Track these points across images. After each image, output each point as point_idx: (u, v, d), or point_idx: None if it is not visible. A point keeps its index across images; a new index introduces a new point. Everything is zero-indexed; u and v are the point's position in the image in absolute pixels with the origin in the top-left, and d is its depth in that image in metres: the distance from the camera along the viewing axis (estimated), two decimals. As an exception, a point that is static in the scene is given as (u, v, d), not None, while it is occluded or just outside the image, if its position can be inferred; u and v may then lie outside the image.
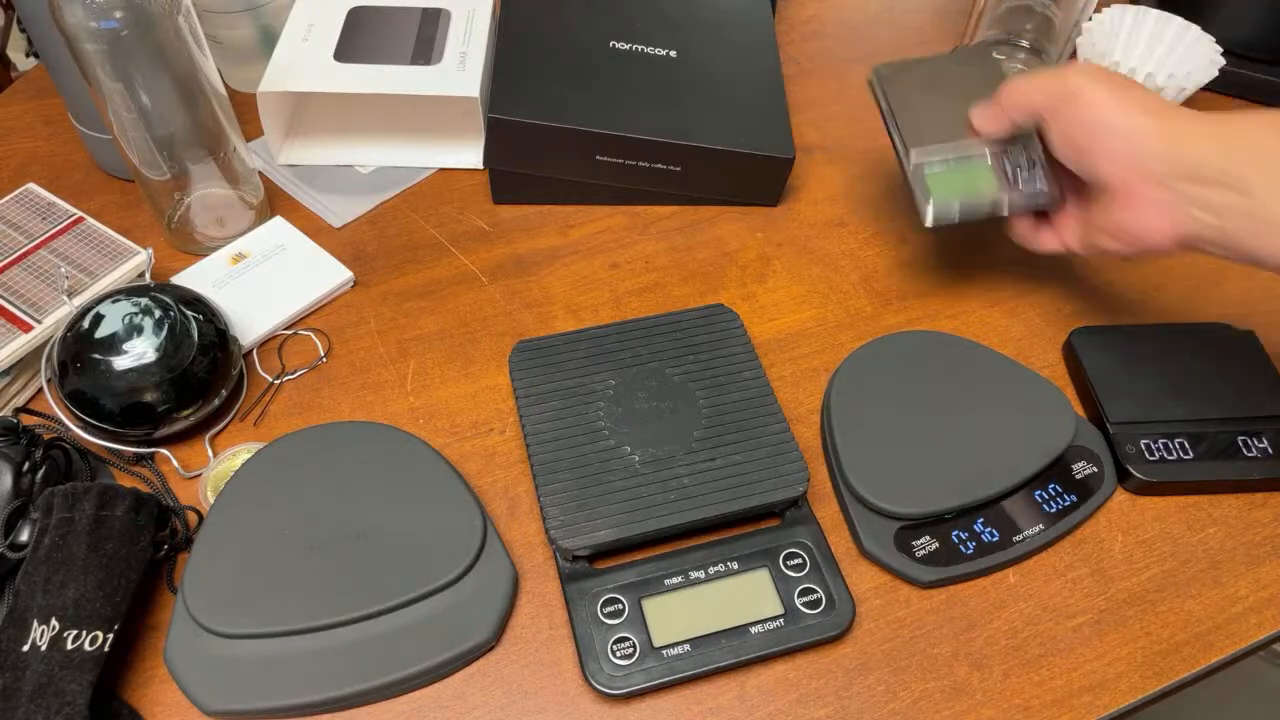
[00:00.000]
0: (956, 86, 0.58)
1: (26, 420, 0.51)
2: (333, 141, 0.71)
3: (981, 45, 0.59)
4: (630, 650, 0.45)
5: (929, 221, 0.55)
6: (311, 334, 0.60)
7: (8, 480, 0.46)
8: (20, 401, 0.55)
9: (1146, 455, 0.52)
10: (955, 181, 0.55)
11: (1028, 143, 0.55)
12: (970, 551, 0.49)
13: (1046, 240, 0.56)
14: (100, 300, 0.51)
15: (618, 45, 0.68)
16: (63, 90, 0.63)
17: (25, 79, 0.77)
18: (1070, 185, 0.54)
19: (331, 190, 0.68)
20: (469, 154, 0.70)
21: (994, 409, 0.53)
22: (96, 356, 0.49)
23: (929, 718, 0.45)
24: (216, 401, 0.53)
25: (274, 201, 0.67)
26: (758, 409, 0.51)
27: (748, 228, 0.67)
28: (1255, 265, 0.45)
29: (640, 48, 0.68)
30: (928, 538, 0.49)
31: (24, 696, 0.40)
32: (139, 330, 0.50)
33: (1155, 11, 0.72)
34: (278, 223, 0.64)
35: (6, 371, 0.53)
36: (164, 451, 0.53)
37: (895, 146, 0.58)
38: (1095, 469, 0.52)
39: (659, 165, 0.65)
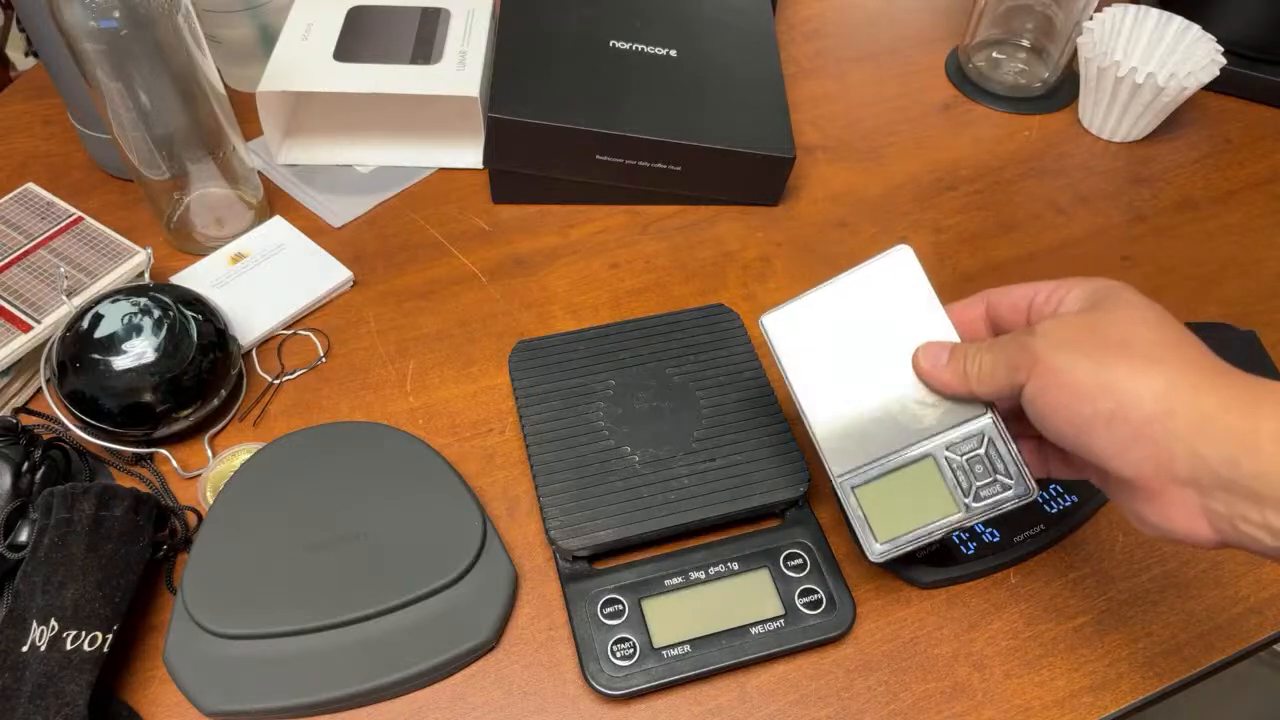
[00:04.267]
0: (876, 343, 0.43)
1: (26, 420, 0.51)
2: (332, 141, 0.70)
3: (890, 260, 0.43)
4: (630, 651, 0.45)
5: (876, 560, 0.44)
6: (311, 334, 0.60)
7: (7, 480, 0.46)
8: (19, 401, 0.55)
9: (1147, 455, 0.52)
10: (898, 501, 0.43)
11: (985, 429, 0.41)
12: (971, 552, 0.49)
13: (1060, 472, 0.43)
14: (99, 300, 0.51)
15: (618, 45, 0.68)
16: (62, 90, 0.63)
17: (25, 79, 0.77)
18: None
19: (331, 190, 0.68)
20: (469, 154, 0.70)
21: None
22: (96, 356, 0.49)
23: (930, 718, 0.45)
24: (216, 401, 0.53)
25: (273, 201, 0.67)
26: (758, 409, 0.51)
27: (748, 228, 0.67)
28: None
29: (640, 47, 0.68)
30: (928, 538, 0.49)
31: (23, 697, 0.40)
32: (138, 330, 0.50)
33: (1156, 11, 0.72)
34: (277, 222, 0.64)
35: (6, 371, 0.53)
36: (163, 452, 0.53)
37: (802, 417, 0.45)
38: (1096, 469, 0.52)
39: (659, 165, 0.65)
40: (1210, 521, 0.34)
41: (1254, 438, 0.32)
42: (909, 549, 0.43)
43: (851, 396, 0.44)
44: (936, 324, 0.42)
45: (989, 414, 0.41)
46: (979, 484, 0.42)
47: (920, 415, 0.42)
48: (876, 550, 0.43)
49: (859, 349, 0.44)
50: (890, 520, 0.43)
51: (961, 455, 0.42)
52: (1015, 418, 0.41)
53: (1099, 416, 0.34)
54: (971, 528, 0.50)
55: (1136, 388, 0.34)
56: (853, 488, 0.44)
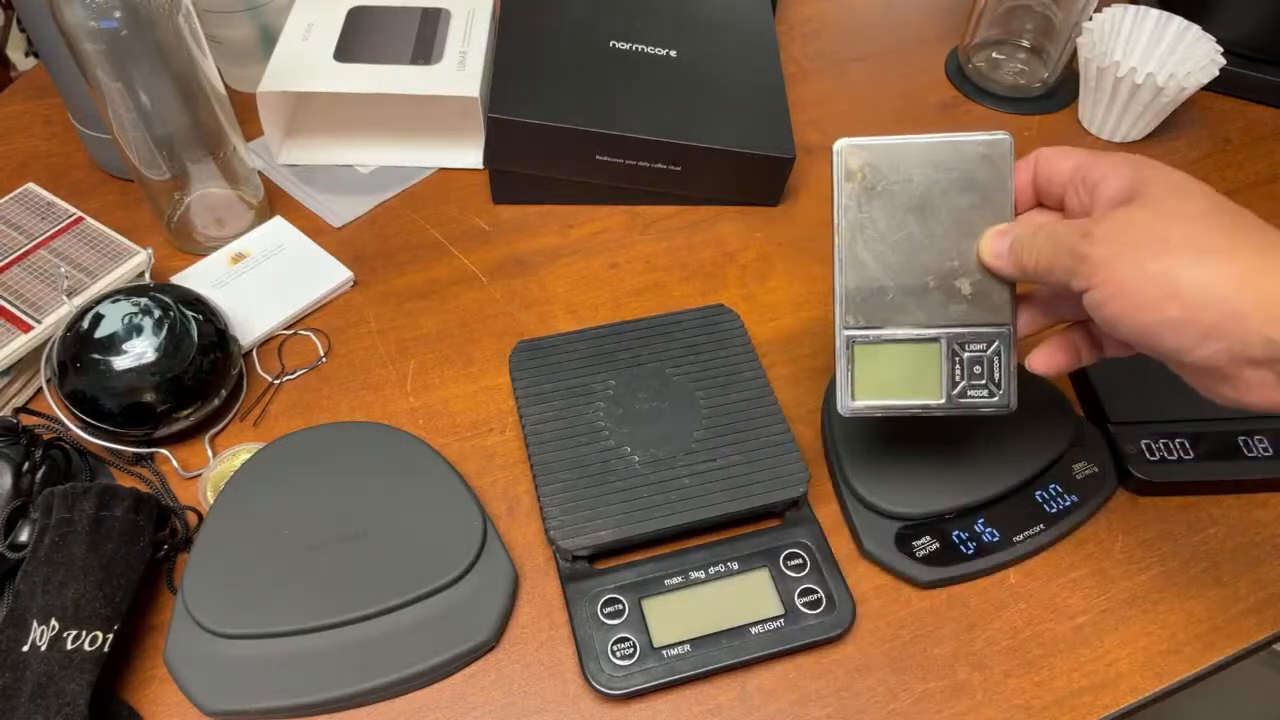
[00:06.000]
0: (940, 209, 0.43)
1: (26, 420, 0.51)
2: (333, 141, 0.70)
3: (987, 141, 0.42)
4: (630, 650, 0.45)
5: (844, 413, 0.45)
6: (311, 334, 0.60)
7: (7, 480, 0.46)
8: (20, 401, 0.55)
9: (1147, 455, 0.52)
10: (888, 370, 0.44)
11: (999, 338, 0.43)
12: (971, 552, 0.49)
13: (1091, 358, 0.44)
14: (100, 300, 0.51)
15: (618, 45, 0.68)
16: (62, 90, 0.63)
17: (25, 79, 0.77)
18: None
19: (331, 190, 0.68)
20: (469, 154, 0.70)
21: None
22: (96, 356, 0.49)
23: (930, 718, 0.45)
24: (216, 401, 0.53)
25: (274, 201, 0.67)
26: (758, 409, 0.51)
27: (748, 228, 0.67)
28: None
29: (640, 47, 0.68)
30: (928, 538, 0.49)
31: (24, 697, 0.40)
32: (138, 330, 0.50)
33: (1155, 11, 0.72)
34: (277, 223, 0.64)
35: (6, 371, 0.53)
36: (164, 451, 0.53)
37: (834, 258, 0.44)
38: (1096, 469, 0.52)
39: (659, 165, 0.65)
40: None
41: None
42: (876, 415, 0.45)
43: (892, 258, 0.44)
44: (1004, 215, 0.43)
45: (1009, 326, 0.43)
46: (968, 383, 0.44)
47: (949, 302, 0.44)
48: (849, 406, 0.45)
49: (918, 215, 0.43)
50: (873, 384, 0.44)
51: (966, 353, 0.43)
52: (1065, 299, 0.43)
53: (1167, 323, 0.35)
54: (972, 527, 0.50)
55: (1204, 290, 0.34)
56: (852, 343, 0.44)
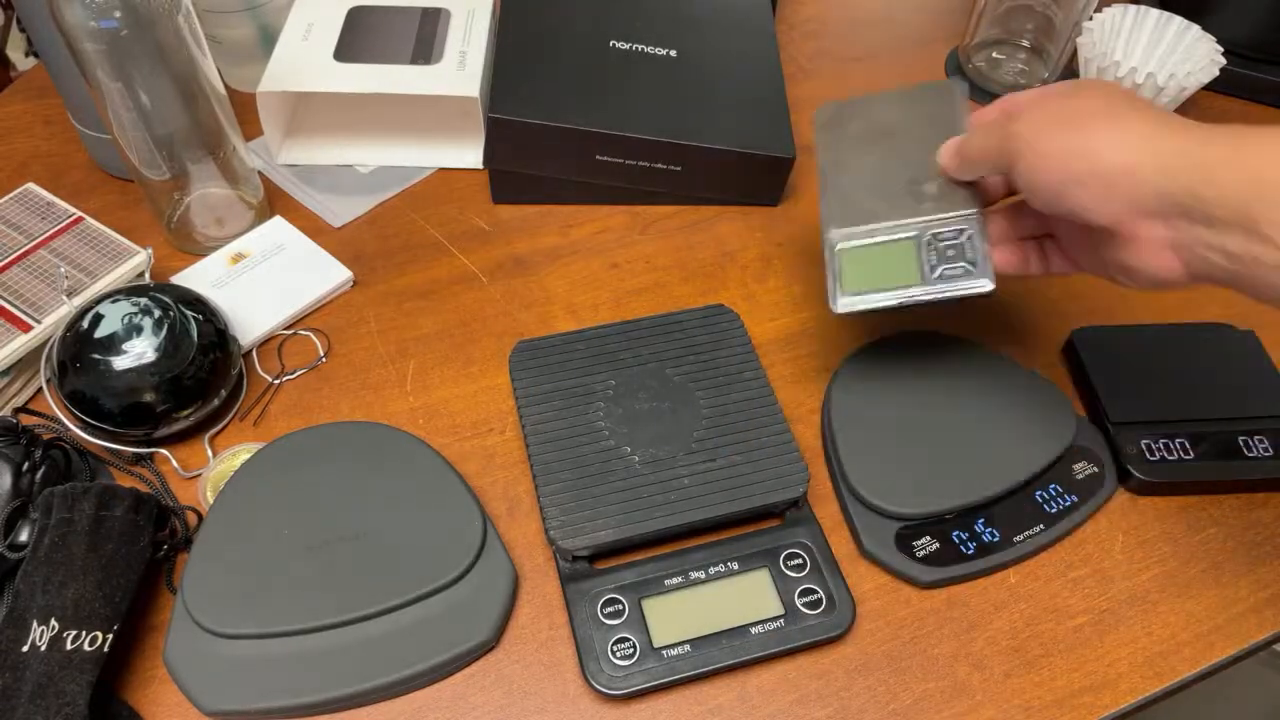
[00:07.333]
0: (904, 136, 0.52)
1: (26, 420, 0.51)
2: (333, 141, 0.70)
3: (941, 84, 0.53)
4: (630, 650, 0.45)
5: (837, 310, 0.49)
6: (311, 334, 0.60)
7: (7, 480, 0.46)
8: (20, 401, 0.55)
9: (1147, 455, 0.52)
10: (872, 267, 0.49)
11: (969, 222, 0.48)
12: (971, 552, 0.49)
13: (1038, 269, 0.49)
14: (100, 300, 0.51)
15: (618, 45, 0.68)
16: (62, 90, 0.63)
17: (25, 79, 0.77)
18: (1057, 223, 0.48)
19: (331, 190, 0.68)
20: (469, 154, 0.70)
21: (995, 409, 0.53)
22: (96, 356, 0.49)
23: (930, 718, 0.45)
24: (216, 401, 0.53)
25: (274, 201, 0.67)
26: (758, 409, 0.51)
27: (748, 228, 0.67)
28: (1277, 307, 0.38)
29: (640, 47, 0.68)
30: (928, 538, 0.49)
31: (24, 697, 0.40)
32: (138, 330, 0.50)
33: (1155, 11, 0.72)
34: (277, 222, 0.64)
35: (6, 371, 0.53)
36: (163, 452, 0.53)
37: (820, 193, 0.52)
38: (1096, 469, 0.52)
39: (659, 165, 0.65)
40: (1177, 254, 0.39)
41: (1208, 170, 0.37)
42: (869, 308, 0.49)
43: (866, 176, 0.51)
44: (959, 133, 0.50)
45: (977, 212, 0.48)
46: (946, 267, 0.48)
47: (920, 202, 0.50)
48: (841, 302, 0.49)
49: (885, 141, 0.52)
50: (859, 280, 0.49)
51: (941, 242, 0.48)
52: (1023, 215, 0.49)
53: (1073, 179, 0.40)
54: (972, 527, 0.50)
55: (1106, 147, 0.39)
56: (838, 248, 0.50)
